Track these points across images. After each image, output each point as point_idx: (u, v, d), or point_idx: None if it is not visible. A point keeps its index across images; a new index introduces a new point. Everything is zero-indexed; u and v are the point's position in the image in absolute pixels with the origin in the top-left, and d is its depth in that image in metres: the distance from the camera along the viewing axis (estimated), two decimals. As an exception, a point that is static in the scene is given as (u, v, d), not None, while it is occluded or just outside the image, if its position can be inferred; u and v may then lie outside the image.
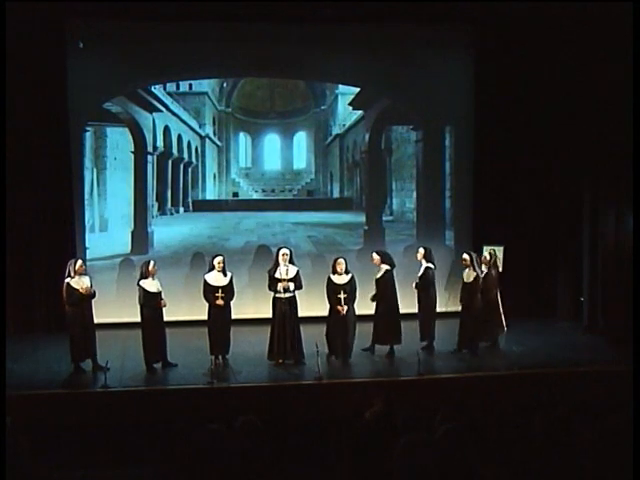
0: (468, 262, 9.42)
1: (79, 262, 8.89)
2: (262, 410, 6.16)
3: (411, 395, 7.85)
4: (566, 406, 5.46)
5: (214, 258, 9.12)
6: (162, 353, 8.88)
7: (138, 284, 8.79)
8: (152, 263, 8.91)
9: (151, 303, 8.73)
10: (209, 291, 8.98)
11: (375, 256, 9.44)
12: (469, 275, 9.43)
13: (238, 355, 9.27)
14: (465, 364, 9.02)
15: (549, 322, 10.94)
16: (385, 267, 9.33)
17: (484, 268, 9.72)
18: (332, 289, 8.99)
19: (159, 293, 8.82)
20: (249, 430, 4.61)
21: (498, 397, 7.66)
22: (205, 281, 9.02)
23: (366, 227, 11.88)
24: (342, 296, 8.88)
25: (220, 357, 9.07)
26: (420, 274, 9.55)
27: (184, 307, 10.69)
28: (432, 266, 9.56)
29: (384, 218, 12.00)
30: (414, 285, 9.53)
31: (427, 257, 9.56)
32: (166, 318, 9.01)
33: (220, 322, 9.03)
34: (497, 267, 10.07)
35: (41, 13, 9.96)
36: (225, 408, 7.18)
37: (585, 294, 10.76)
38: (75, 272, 8.72)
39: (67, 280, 8.71)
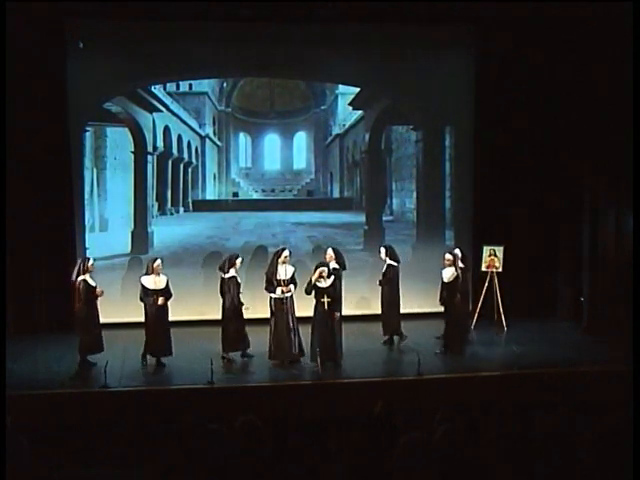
0: (451, 261, 9.47)
1: (91, 260, 9.17)
2: (262, 410, 6.17)
3: (411, 395, 7.86)
4: (566, 406, 5.47)
5: (236, 258, 9.29)
6: (164, 349, 8.99)
7: (140, 280, 9.01)
8: (158, 262, 9.11)
9: (148, 299, 8.94)
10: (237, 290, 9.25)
11: (330, 253, 9.56)
12: (448, 274, 9.45)
13: (238, 355, 9.28)
14: (465, 364, 9.02)
15: (549, 322, 10.94)
16: (333, 265, 9.45)
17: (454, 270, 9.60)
18: (316, 292, 8.91)
19: (158, 290, 8.95)
20: (249, 430, 4.61)
21: (498, 397, 7.66)
22: (235, 279, 9.20)
23: (366, 227, 11.87)
24: (326, 300, 8.85)
25: (230, 354, 9.21)
26: (383, 271, 9.80)
27: (183, 307, 10.69)
28: (395, 263, 9.78)
29: (384, 218, 12.00)
30: (378, 282, 9.78)
31: (390, 255, 9.82)
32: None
33: (235, 319, 9.17)
34: (466, 268, 10.00)
35: (41, 13, 9.96)
36: (225, 408, 7.19)
37: (585, 294, 10.76)
38: (87, 270, 8.96)
39: (82, 277, 8.90)
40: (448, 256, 9.55)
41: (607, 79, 9.95)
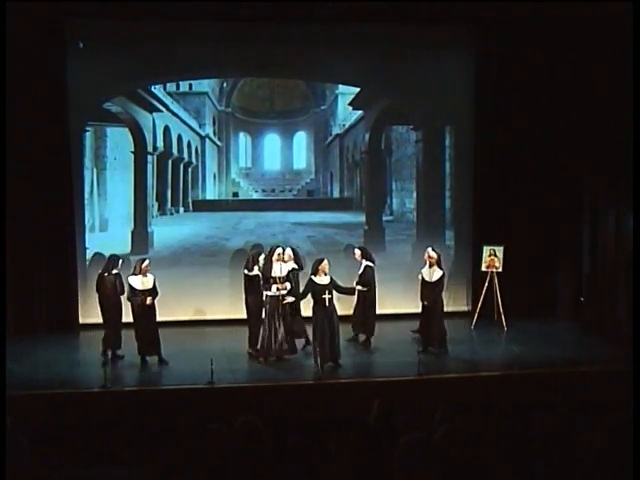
0: (435, 260, 9.45)
1: (121, 261, 9.44)
2: (262, 410, 6.17)
3: (411, 395, 7.86)
4: (566, 406, 5.47)
5: (259, 256, 9.43)
6: (155, 348, 9.04)
7: (127, 280, 9.05)
8: (146, 262, 9.14)
9: (136, 298, 8.99)
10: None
11: (288, 253, 9.58)
12: (433, 273, 9.43)
13: (238, 355, 9.30)
14: (465, 364, 9.03)
15: (549, 322, 10.93)
16: (292, 265, 9.52)
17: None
18: (316, 290, 8.88)
19: (145, 290, 9.00)
20: (249, 430, 4.61)
21: (498, 397, 7.65)
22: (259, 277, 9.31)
23: (366, 227, 11.87)
24: (327, 296, 8.82)
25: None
26: (360, 272, 9.79)
27: (182, 307, 10.71)
28: (372, 264, 9.83)
29: (384, 218, 12.00)
30: (355, 283, 9.70)
31: (365, 256, 9.88)
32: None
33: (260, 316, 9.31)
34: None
35: (41, 13, 9.95)
36: (225, 408, 7.19)
37: (585, 294, 10.75)
38: (118, 268, 9.28)
39: (120, 273, 9.30)
40: (433, 254, 9.53)
41: (607, 79, 9.95)
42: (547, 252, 11.28)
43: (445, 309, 10.55)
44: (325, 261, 8.97)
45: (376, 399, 5.54)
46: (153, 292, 9.07)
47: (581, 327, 10.62)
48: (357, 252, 10.00)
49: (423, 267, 9.63)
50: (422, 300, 9.55)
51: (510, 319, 10.62)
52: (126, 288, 9.14)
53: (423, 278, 9.53)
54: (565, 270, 11.26)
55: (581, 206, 10.79)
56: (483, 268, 10.78)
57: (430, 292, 9.44)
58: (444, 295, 9.94)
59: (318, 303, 8.84)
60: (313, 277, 8.91)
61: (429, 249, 9.71)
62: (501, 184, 11.14)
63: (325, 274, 8.90)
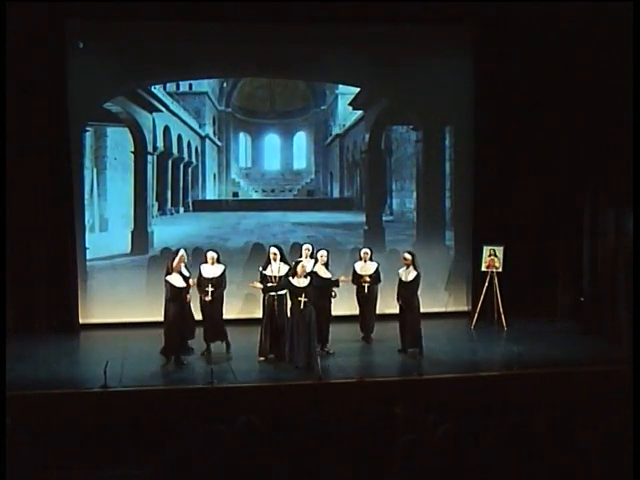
0: (410, 262, 9.44)
1: (180, 252, 9.24)
2: (262, 410, 6.17)
3: (411, 395, 7.86)
4: (566, 406, 5.47)
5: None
6: (187, 345, 9.10)
7: (165, 279, 8.96)
8: (177, 260, 9.03)
9: (178, 297, 8.90)
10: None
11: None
12: (408, 274, 9.42)
13: (237, 355, 9.30)
14: (465, 364, 9.02)
15: (549, 322, 10.93)
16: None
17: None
18: (292, 291, 8.82)
19: (185, 288, 8.98)
20: (249, 430, 4.61)
21: (498, 397, 7.65)
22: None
23: (366, 227, 11.87)
24: (303, 299, 8.74)
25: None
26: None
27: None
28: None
29: (384, 218, 12.00)
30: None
31: (312, 255, 9.83)
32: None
33: None
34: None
35: (41, 13, 9.96)
36: (225, 408, 7.19)
37: (585, 294, 10.75)
38: (173, 268, 8.96)
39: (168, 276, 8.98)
40: (407, 256, 9.52)
41: (607, 79, 9.95)
42: (547, 252, 11.27)
43: (445, 309, 10.61)
44: (302, 263, 8.92)
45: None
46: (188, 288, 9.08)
47: (581, 327, 10.62)
48: (307, 247, 9.79)
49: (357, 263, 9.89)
50: (398, 300, 9.54)
51: (510, 319, 10.62)
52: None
53: (400, 278, 9.52)
54: (565, 270, 11.26)
55: (581, 206, 10.79)
56: (483, 268, 10.78)
57: (405, 292, 9.43)
58: (444, 295, 9.99)
59: (294, 305, 8.80)
60: (291, 279, 8.83)
61: (365, 249, 9.98)
62: (501, 184, 11.15)
63: (305, 276, 8.81)
